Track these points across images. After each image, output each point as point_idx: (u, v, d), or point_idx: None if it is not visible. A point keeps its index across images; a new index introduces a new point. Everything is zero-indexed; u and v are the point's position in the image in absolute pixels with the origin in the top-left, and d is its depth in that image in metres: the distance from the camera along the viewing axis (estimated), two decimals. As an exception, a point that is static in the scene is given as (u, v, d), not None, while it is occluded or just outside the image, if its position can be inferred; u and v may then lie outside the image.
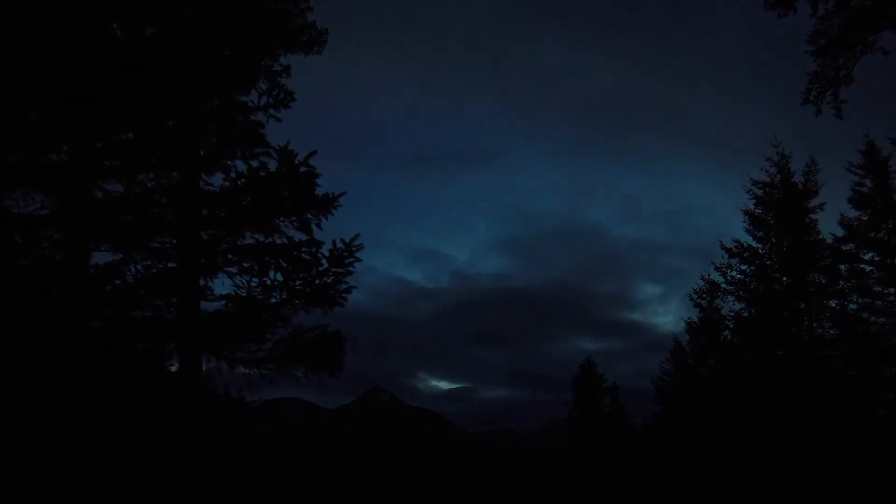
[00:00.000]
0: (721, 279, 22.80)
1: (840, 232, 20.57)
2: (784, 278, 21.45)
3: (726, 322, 23.84)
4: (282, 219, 10.60)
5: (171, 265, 10.46)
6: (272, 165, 10.49)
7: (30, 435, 8.88)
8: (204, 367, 10.50)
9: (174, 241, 10.43)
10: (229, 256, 10.64)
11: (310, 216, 10.59)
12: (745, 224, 22.11)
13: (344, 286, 10.55)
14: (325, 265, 10.55)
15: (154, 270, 10.37)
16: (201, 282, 10.48)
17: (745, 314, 22.38)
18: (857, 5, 9.07)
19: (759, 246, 21.84)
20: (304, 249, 10.60)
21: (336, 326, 10.86)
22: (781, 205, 21.56)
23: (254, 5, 10.72)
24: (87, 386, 9.49)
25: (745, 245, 21.96)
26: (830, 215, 21.64)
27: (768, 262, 21.68)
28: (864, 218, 20.16)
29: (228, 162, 10.66)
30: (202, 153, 10.71)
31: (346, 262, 10.63)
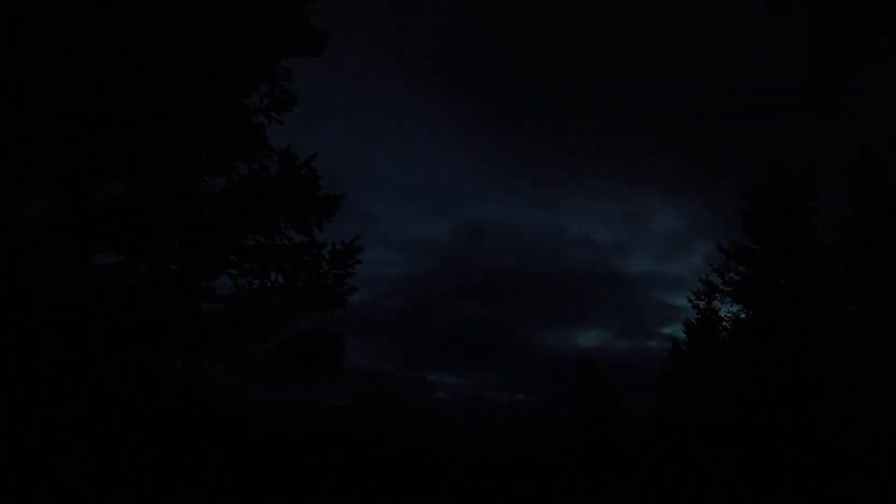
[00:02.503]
0: (719, 280, 22.97)
1: (837, 234, 20.68)
2: (781, 280, 21.57)
3: (724, 323, 24.00)
4: (283, 221, 10.66)
5: (173, 267, 10.51)
6: (274, 168, 10.57)
7: (33, 436, 8.93)
8: (205, 368, 10.57)
9: (176, 243, 10.48)
10: (231, 258, 10.70)
11: (311, 218, 10.65)
12: (742, 226, 22.25)
13: (345, 288, 10.61)
14: (326, 267, 10.61)
15: (156, 272, 10.43)
16: (203, 283, 10.54)
17: (743, 315, 22.52)
18: (855, 8, 9.12)
19: (757, 247, 21.96)
20: (304, 251, 10.66)
21: (336, 328, 10.94)
22: (779, 207, 21.68)
23: (254, 8, 10.78)
24: (89, 387, 9.54)
25: (743, 246, 22.10)
26: (828, 217, 21.77)
27: (766, 264, 21.79)
28: (862, 220, 20.26)
29: (230, 164, 10.73)
30: (204, 155, 10.77)
31: (347, 263, 10.69)
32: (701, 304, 25.60)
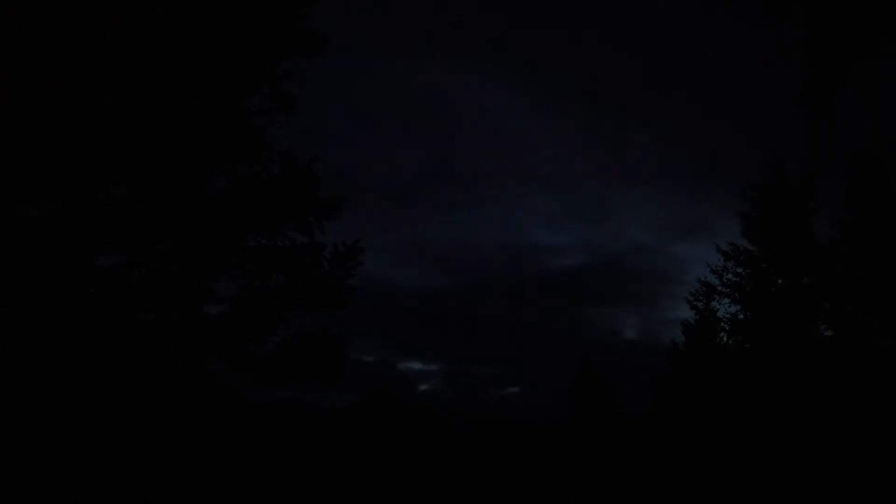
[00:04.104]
0: (717, 281, 23.05)
1: (835, 234, 20.76)
2: (780, 281, 21.66)
3: (722, 324, 24.06)
4: (284, 222, 10.73)
5: (174, 268, 10.57)
6: (275, 169, 10.64)
7: (34, 436, 8.99)
8: (206, 369, 10.63)
9: (178, 244, 10.54)
10: (232, 259, 10.77)
11: (312, 220, 10.73)
12: (741, 227, 22.36)
13: (346, 289, 10.69)
14: (328, 268, 10.69)
15: (158, 273, 10.49)
16: (204, 284, 10.61)
17: (741, 316, 22.61)
18: (852, 11, 9.19)
19: (755, 248, 22.05)
20: (306, 253, 10.73)
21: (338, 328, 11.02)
22: (777, 208, 21.77)
23: (254, 10, 10.84)
24: (91, 389, 9.60)
25: (741, 248, 22.21)
26: (826, 218, 21.86)
27: (764, 265, 21.89)
28: (860, 221, 20.33)
29: (231, 165, 10.79)
30: (205, 157, 10.83)
31: (348, 264, 10.77)
32: (699, 304, 25.67)
